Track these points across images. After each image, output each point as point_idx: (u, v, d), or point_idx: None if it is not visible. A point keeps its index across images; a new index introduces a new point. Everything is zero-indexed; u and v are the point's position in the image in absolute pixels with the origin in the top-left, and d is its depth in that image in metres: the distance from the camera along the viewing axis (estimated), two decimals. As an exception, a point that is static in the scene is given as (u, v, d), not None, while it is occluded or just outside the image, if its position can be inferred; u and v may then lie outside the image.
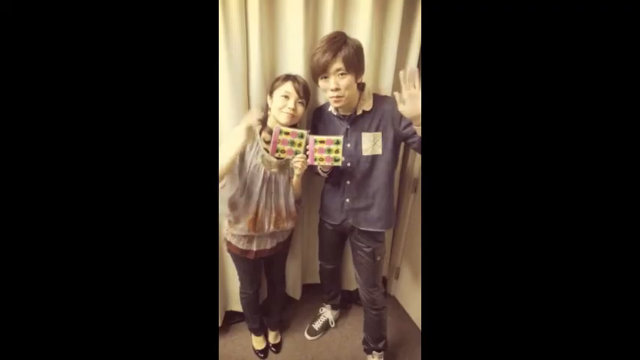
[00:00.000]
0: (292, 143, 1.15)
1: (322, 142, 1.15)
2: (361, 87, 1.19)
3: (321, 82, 1.13)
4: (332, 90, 1.10)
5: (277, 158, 1.19)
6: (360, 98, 1.19)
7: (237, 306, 1.63)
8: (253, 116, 1.09)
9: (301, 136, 1.16)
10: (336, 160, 1.15)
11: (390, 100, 1.20)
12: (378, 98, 1.22)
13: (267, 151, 1.19)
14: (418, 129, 1.03)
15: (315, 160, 1.16)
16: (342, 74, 1.08)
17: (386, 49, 1.38)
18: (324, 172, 1.25)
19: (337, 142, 1.15)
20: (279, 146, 1.14)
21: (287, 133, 1.14)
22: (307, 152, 1.16)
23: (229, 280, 1.61)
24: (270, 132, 1.15)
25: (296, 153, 1.16)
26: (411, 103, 0.94)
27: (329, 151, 1.15)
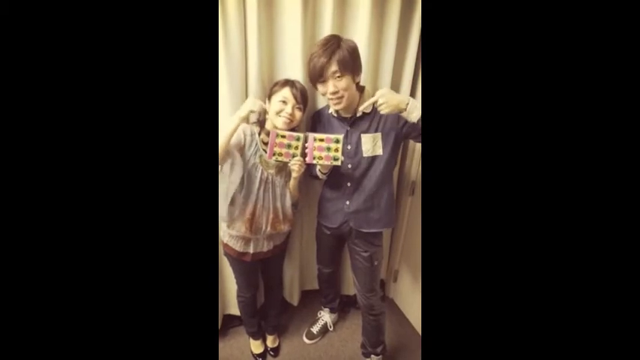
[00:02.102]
0: (289, 146, 1.14)
1: (321, 140, 1.13)
2: (360, 89, 1.20)
3: (320, 87, 1.14)
4: (331, 93, 1.11)
5: (275, 161, 1.20)
6: (359, 100, 1.19)
7: (235, 309, 1.63)
8: (254, 103, 1.10)
9: (298, 139, 1.14)
10: (336, 159, 1.14)
11: None
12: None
13: (266, 152, 1.19)
14: (407, 114, 1.07)
15: (314, 158, 1.14)
16: (338, 77, 1.09)
17: (384, 51, 1.38)
18: (322, 173, 1.24)
19: (337, 141, 1.13)
20: (276, 149, 1.13)
21: (284, 137, 1.13)
22: (306, 150, 1.15)
23: (227, 283, 1.60)
24: (268, 134, 1.16)
25: (293, 156, 1.15)
26: (386, 105, 1.05)
27: (328, 149, 1.13)
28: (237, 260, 1.34)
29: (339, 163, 1.14)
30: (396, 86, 1.48)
